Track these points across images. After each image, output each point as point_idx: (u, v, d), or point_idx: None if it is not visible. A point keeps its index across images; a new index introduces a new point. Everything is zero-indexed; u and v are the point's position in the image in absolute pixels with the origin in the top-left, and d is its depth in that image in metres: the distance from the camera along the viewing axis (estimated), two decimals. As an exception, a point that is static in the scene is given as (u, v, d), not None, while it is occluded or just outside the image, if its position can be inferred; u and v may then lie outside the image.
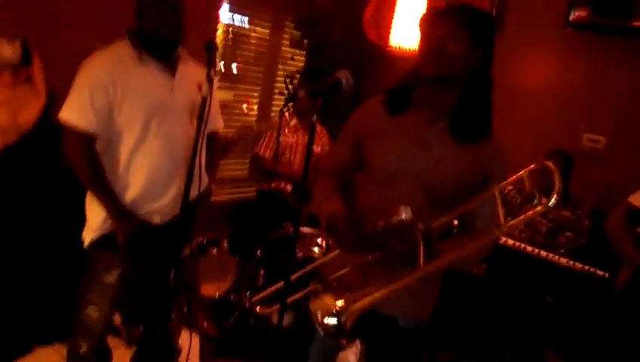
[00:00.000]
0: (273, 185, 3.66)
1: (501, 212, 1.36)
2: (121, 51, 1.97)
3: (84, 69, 1.93)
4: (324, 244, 2.97)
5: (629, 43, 3.41)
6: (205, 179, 2.19)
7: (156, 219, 2.05)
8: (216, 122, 2.28)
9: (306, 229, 3.04)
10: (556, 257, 2.79)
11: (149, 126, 1.95)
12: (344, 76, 1.44)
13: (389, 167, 1.57)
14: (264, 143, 3.64)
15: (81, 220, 2.04)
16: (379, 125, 1.61)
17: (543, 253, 2.80)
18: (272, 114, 4.36)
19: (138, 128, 1.94)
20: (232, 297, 2.95)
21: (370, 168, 1.62)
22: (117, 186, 1.98)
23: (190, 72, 2.08)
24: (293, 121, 3.69)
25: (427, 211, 1.49)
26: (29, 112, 2.33)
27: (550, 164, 1.34)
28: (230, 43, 3.92)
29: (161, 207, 2.04)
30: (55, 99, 2.58)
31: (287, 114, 3.67)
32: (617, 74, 3.49)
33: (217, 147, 2.34)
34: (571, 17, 3.51)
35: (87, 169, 1.93)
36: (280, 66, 4.39)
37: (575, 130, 3.61)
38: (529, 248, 2.85)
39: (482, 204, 1.47)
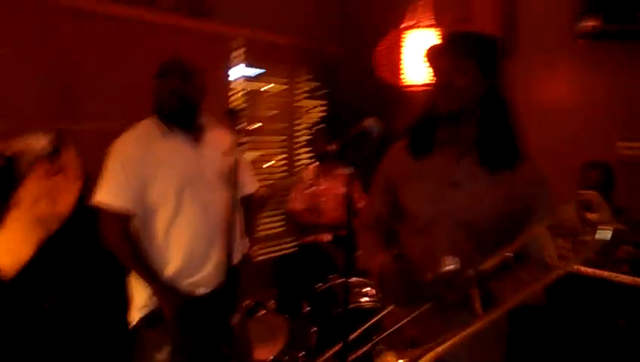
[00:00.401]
0: (312, 237, 3.62)
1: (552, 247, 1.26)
2: (147, 128, 2.01)
3: (114, 151, 1.97)
4: (373, 293, 2.88)
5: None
6: (245, 243, 2.18)
7: (200, 290, 2.04)
8: (251, 185, 2.29)
9: (352, 279, 2.97)
10: (619, 276, 2.65)
11: (181, 199, 1.96)
12: (371, 124, 1.44)
13: (424, 214, 1.53)
14: (294, 197, 3.63)
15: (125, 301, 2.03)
16: (407, 171, 1.58)
17: (605, 273, 2.66)
18: (299, 167, 4.37)
19: (172, 202, 1.95)
20: (286, 359, 2.86)
21: (407, 216, 1.59)
22: (157, 261, 1.98)
23: (216, 138, 2.10)
24: (315, 170, 3.69)
25: (473, 251, 1.43)
26: (67, 199, 2.36)
27: (592, 194, 1.23)
28: (248, 101, 3.98)
29: (203, 277, 2.03)
30: (90, 181, 2.63)
31: (310, 166, 3.72)
32: (638, 77, 3.43)
33: (254, 209, 2.34)
34: (581, 28, 3.50)
35: (126, 248, 1.94)
36: (300, 120, 4.43)
37: (608, 140, 3.52)
38: (588, 270, 2.71)
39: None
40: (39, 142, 2.44)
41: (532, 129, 4.17)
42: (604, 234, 1.10)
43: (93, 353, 2.47)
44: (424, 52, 1.54)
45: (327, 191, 3.65)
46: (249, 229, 2.29)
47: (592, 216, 1.12)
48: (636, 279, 2.58)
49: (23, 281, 2.18)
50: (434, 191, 1.52)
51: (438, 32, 3.10)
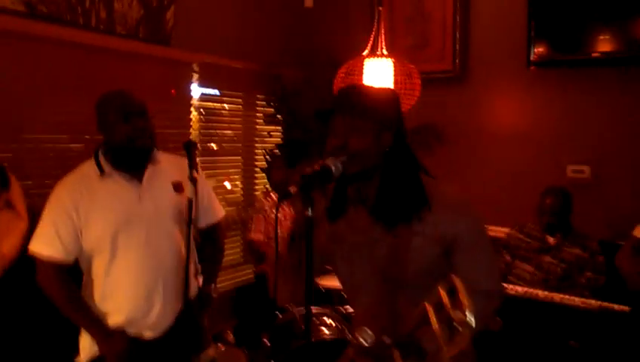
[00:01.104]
0: (268, 268, 3.56)
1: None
2: (86, 171, 1.95)
3: (50, 198, 1.93)
4: (333, 324, 2.85)
5: (591, 73, 3.52)
6: (198, 281, 2.12)
7: (148, 335, 1.96)
8: (217, 212, 2.23)
9: (312, 309, 2.92)
10: (571, 299, 2.72)
11: (116, 243, 1.89)
12: (332, 163, 1.34)
13: (348, 277, 1.54)
14: (254, 227, 3.58)
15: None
16: (327, 238, 1.53)
17: (557, 297, 2.73)
18: (256, 190, 4.32)
19: (106, 248, 1.89)
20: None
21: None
22: (101, 308, 1.93)
23: (162, 173, 2.01)
24: (273, 197, 3.67)
25: (399, 307, 1.42)
26: (13, 239, 2.22)
27: (455, 279, 1.15)
28: (203, 120, 3.91)
29: (150, 322, 1.95)
30: (36, 218, 2.49)
31: (269, 193, 3.69)
32: (587, 103, 3.57)
33: (221, 238, 2.28)
34: (532, 56, 3.61)
35: (61, 296, 1.89)
36: (257, 145, 4.40)
37: (558, 164, 3.64)
38: (541, 294, 2.78)
39: (470, 263, 1.40)
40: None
41: (485, 155, 4.30)
42: (471, 321, 1.10)
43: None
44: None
45: (286, 221, 3.62)
46: (217, 259, 2.25)
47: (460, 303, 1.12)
48: (586, 302, 2.65)
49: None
50: (352, 253, 1.49)
51: (393, 60, 3.14)
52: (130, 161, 1.93)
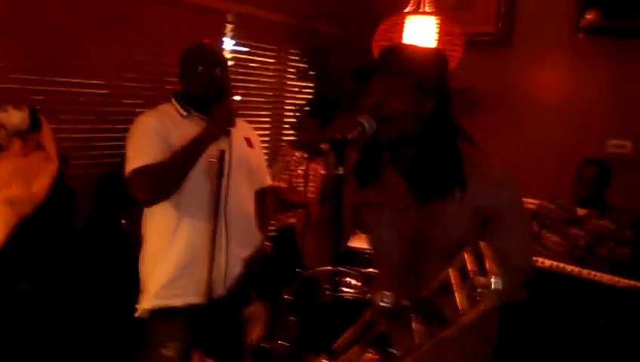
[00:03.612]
0: (292, 219, 3.57)
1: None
2: (167, 110, 1.96)
3: (136, 127, 1.90)
4: (356, 284, 2.84)
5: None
6: (258, 237, 2.16)
7: (219, 287, 1.96)
8: (264, 179, 2.23)
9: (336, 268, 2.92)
10: (598, 275, 2.65)
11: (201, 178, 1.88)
12: (366, 120, 1.26)
13: (377, 243, 1.51)
14: (278, 177, 3.58)
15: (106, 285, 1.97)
16: (357, 200, 1.47)
17: (585, 272, 2.66)
18: (283, 145, 4.28)
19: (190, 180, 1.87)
20: (265, 346, 2.83)
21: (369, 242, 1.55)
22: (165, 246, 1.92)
23: (239, 125, 2.01)
24: (298, 153, 3.65)
25: (425, 274, 1.37)
26: (43, 180, 2.25)
27: (482, 244, 1.09)
28: (236, 75, 3.85)
29: (220, 269, 1.95)
30: (66, 162, 2.52)
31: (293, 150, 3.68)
32: (636, 76, 3.41)
33: (268, 203, 2.28)
34: (582, 23, 3.43)
35: (163, 177, 1.81)
36: (287, 100, 4.33)
37: (598, 138, 3.51)
38: (568, 267, 2.71)
39: (505, 236, 1.35)
40: (16, 117, 2.32)
41: (523, 123, 4.18)
42: (498, 284, 1.04)
43: (74, 341, 2.41)
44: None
45: (311, 173, 3.60)
46: (263, 223, 2.24)
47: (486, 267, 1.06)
48: (615, 279, 2.58)
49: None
50: (380, 216, 1.44)
51: (438, 19, 3.00)
52: (206, 107, 1.93)
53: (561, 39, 3.60)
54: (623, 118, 3.46)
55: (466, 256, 1.09)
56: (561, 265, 2.75)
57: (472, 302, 1.04)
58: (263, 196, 2.21)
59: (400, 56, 1.35)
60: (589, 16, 3.39)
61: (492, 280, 1.02)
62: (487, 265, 1.04)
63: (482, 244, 1.09)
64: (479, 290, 1.03)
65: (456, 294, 1.09)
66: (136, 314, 1.96)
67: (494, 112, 3.74)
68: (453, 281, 1.11)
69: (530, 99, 3.70)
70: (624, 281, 2.57)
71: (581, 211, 3.10)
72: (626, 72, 3.43)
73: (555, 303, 2.71)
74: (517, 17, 3.78)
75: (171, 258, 1.91)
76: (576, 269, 2.70)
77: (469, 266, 1.08)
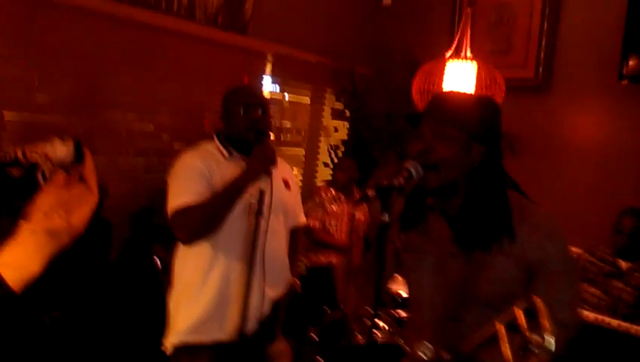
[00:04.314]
0: (322, 258, 3.55)
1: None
2: (210, 150, 1.98)
3: (180, 165, 1.94)
4: (385, 327, 2.78)
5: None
6: (290, 276, 2.16)
7: (248, 329, 1.93)
8: (299, 217, 2.22)
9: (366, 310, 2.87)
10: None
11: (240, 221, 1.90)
12: (413, 166, 1.26)
13: (418, 291, 1.46)
14: (311, 215, 3.58)
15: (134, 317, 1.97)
16: (400, 243, 1.45)
17: (632, 329, 2.53)
18: (318, 183, 4.30)
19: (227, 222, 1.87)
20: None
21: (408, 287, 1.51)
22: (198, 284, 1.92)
23: (278, 166, 2.01)
24: (332, 191, 3.67)
25: (466, 326, 1.32)
26: (83, 212, 2.30)
27: (536, 300, 1.06)
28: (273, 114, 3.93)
29: (253, 307, 1.92)
30: (106, 195, 2.57)
31: (328, 190, 3.70)
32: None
33: (300, 243, 2.29)
34: (624, 70, 3.37)
35: (206, 218, 1.83)
36: (322, 138, 4.38)
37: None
38: (614, 322, 2.59)
39: (553, 290, 1.28)
40: (61, 149, 2.39)
41: (561, 170, 4.07)
42: (551, 343, 0.99)
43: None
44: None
45: (345, 214, 3.59)
46: (292, 263, 2.21)
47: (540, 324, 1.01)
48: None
49: (28, 294, 2.11)
50: (423, 263, 1.40)
51: (478, 64, 3.01)
52: (247, 148, 1.95)
53: (602, 85, 3.54)
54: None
55: (516, 310, 1.05)
56: (606, 319, 2.63)
57: (523, 359, 1.00)
58: (296, 235, 2.21)
59: (449, 102, 1.35)
60: (632, 62, 3.33)
61: (548, 338, 0.98)
62: (542, 323, 1.00)
63: (537, 300, 1.05)
64: (533, 349, 0.98)
65: (502, 349, 1.05)
66: (163, 348, 1.95)
67: (531, 158, 3.68)
68: (500, 336, 1.06)
69: (569, 145, 3.62)
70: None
71: (624, 264, 2.99)
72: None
73: (598, 360, 2.58)
74: (556, 63, 3.74)
75: (204, 296, 1.90)
76: (623, 324, 2.57)
77: (520, 321, 1.04)
